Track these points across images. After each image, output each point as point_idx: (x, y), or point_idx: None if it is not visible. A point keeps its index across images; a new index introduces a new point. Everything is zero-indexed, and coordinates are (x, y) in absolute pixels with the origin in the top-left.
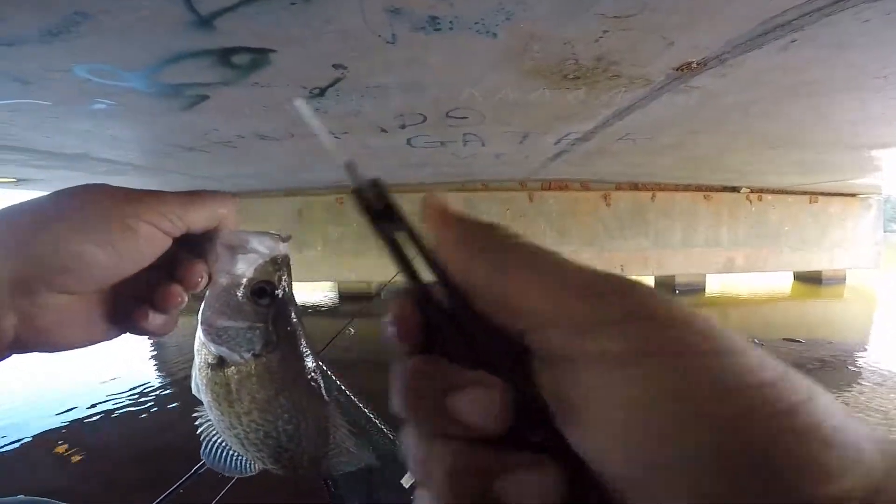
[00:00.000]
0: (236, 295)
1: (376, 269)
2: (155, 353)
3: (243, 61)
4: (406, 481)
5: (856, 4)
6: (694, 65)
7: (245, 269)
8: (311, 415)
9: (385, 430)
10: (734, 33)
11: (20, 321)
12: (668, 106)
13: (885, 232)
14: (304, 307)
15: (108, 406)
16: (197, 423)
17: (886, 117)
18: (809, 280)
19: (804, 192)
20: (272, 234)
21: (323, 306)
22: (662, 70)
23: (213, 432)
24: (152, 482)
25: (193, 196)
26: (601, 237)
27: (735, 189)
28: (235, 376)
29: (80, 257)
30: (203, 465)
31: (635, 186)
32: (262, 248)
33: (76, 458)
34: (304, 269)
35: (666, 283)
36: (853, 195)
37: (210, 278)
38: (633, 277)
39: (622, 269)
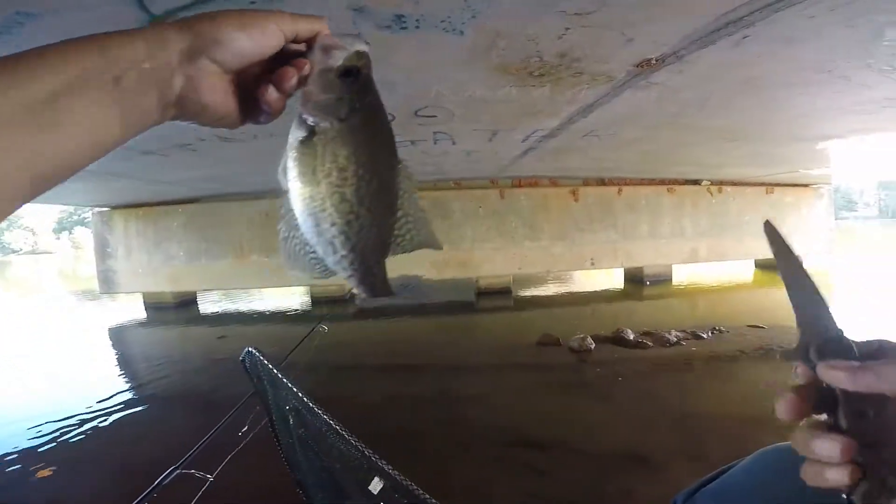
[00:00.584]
0: (329, 75)
1: None
2: (121, 366)
3: None
4: (374, 487)
5: (802, 0)
6: (653, 61)
7: (336, 58)
8: (384, 177)
9: (348, 436)
10: (689, 29)
11: (184, 83)
12: (630, 102)
13: (836, 219)
14: (276, 313)
15: (80, 418)
16: (279, 221)
17: (832, 111)
18: (769, 267)
19: (761, 184)
20: (357, 35)
21: (294, 311)
22: (623, 66)
23: (294, 226)
24: (125, 495)
25: (303, 15)
26: (571, 231)
27: (696, 182)
28: (321, 141)
29: (229, 36)
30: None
31: (602, 181)
32: (349, 43)
33: (45, 473)
34: (274, 275)
35: (634, 275)
36: (806, 185)
37: (311, 69)
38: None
39: (592, 263)
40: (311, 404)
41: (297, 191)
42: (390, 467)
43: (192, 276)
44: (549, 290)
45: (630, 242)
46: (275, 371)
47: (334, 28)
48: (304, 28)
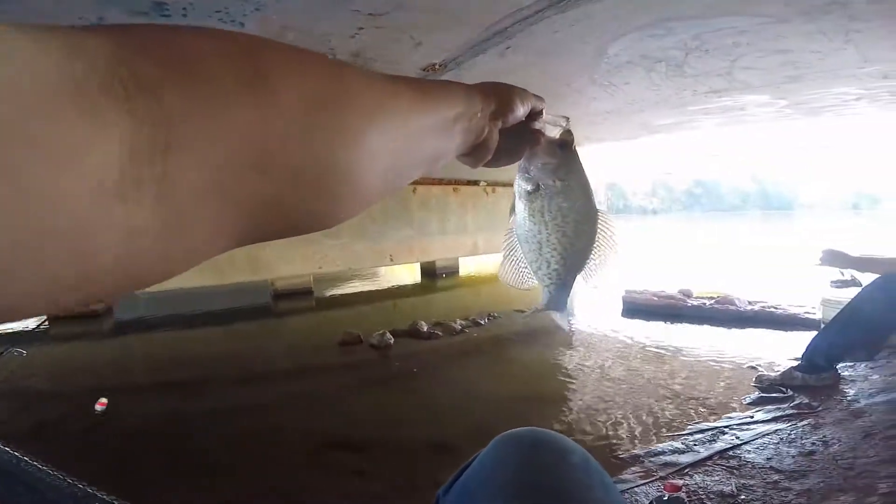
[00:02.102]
0: (551, 146)
1: None
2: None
3: None
4: None
5: (551, 16)
6: (437, 66)
7: (555, 132)
8: (591, 221)
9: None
10: (468, 37)
11: (487, 133)
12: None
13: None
14: None
15: None
16: (504, 243)
17: (573, 120)
18: None
19: (508, 185)
20: (566, 117)
21: (26, 331)
22: (413, 69)
23: (515, 247)
24: None
25: (536, 95)
26: (371, 229)
27: (476, 182)
28: (547, 193)
29: (515, 105)
30: None
31: None
32: (562, 123)
33: None
34: None
35: (429, 269)
36: None
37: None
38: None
39: (391, 259)
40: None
41: (526, 226)
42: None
43: None
44: (352, 288)
45: (424, 238)
46: None
47: None
48: (537, 104)
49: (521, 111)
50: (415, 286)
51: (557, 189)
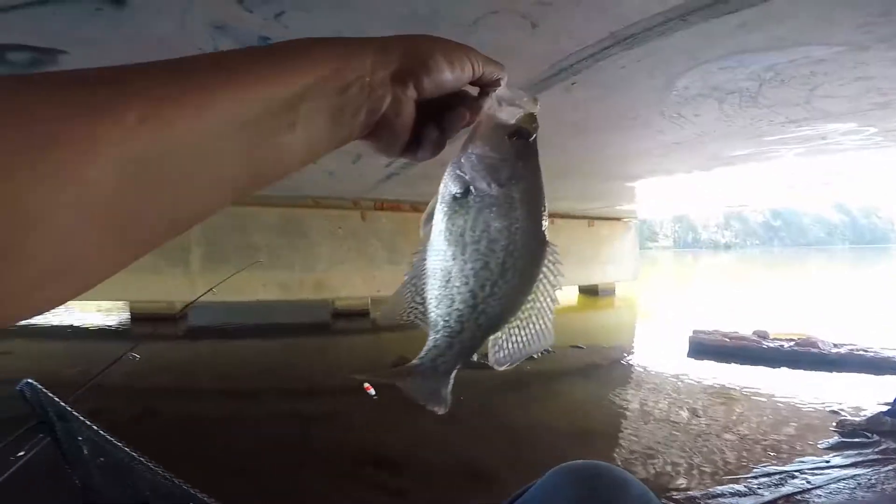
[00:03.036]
0: (498, 133)
1: (180, 288)
2: None
3: (21, 59)
4: None
5: (617, 52)
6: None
7: (509, 114)
8: (529, 257)
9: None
10: (532, 74)
11: (390, 104)
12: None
13: (642, 249)
14: (81, 328)
15: None
16: (413, 262)
17: (638, 152)
18: (590, 292)
19: (584, 217)
20: (532, 94)
21: (106, 327)
22: None
23: (419, 273)
24: None
25: (490, 58)
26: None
27: None
28: (476, 205)
29: (437, 64)
30: None
31: None
32: (525, 103)
33: None
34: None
35: None
36: (618, 219)
37: (480, 119)
38: None
39: None
40: (108, 437)
41: (439, 245)
42: (206, 495)
43: None
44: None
45: None
46: (62, 404)
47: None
48: (490, 72)
49: (447, 74)
50: None
51: (493, 199)
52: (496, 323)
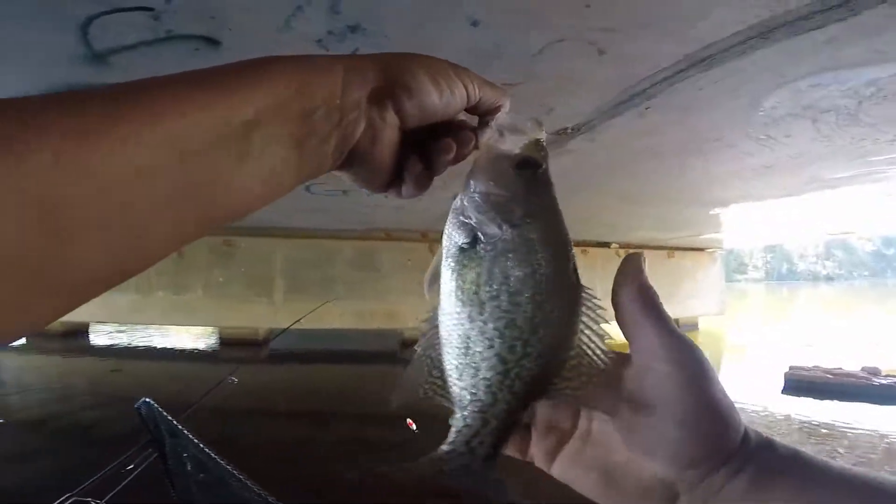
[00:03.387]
0: (502, 165)
1: (265, 316)
2: None
3: None
4: None
5: (694, 74)
6: (569, 130)
7: (513, 145)
8: (564, 301)
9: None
10: (601, 100)
11: (364, 131)
12: (550, 167)
13: (729, 282)
14: (179, 351)
15: None
16: (421, 338)
17: (721, 177)
18: None
19: (663, 248)
20: (537, 119)
21: (203, 352)
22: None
23: (433, 345)
24: None
25: (491, 81)
26: None
27: (607, 244)
28: (488, 254)
29: (420, 84)
30: None
31: None
32: (530, 129)
33: None
34: (180, 314)
35: None
36: (702, 250)
37: (481, 152)
38: None
39: None
40: (212, 455)
41: (451, 308)
42: None
43: (87, 307)
44: None
45: None
46: (174, 422)
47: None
48: (489, 97)
49: (433, 97)
50: None
51: (507, 243)
52: (536, 388)
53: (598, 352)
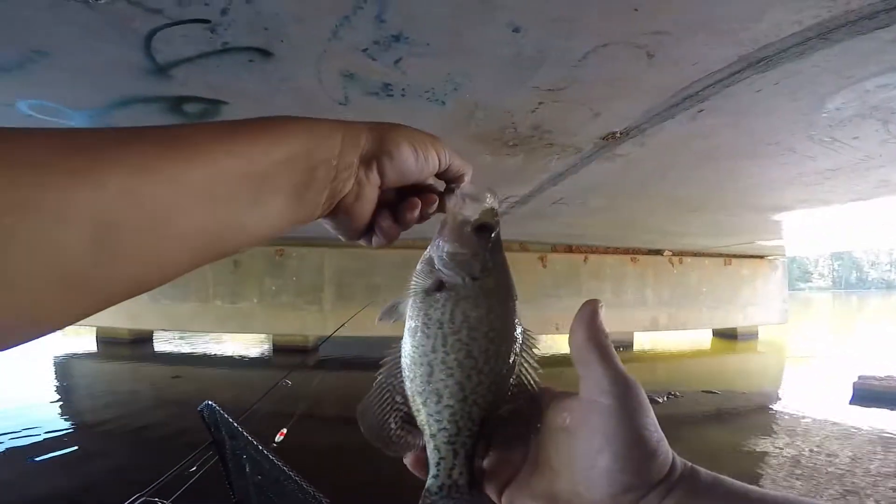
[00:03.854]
0: (465, 230)
1: (314, 323)
2: (61, 397)
3: (194, 110)
4: None
5: (750, 76)
6: (617, 134)
7: (474, 211)
8: (509, 337)
9: (306, 486)
10: (651, 104)
11: (351, 188)
12: (597, 172)
13: (792, 290)
14: (235, 358)
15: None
16: (381, 369)
17: (781, 181)
18: (726, 336)
19: (719, 255)
20: (492, 189)
21: (257, 358)
22: (590, 139)
23: (394, 373)
24: None
25: (457, 152)
26: (538, 297)
27: (659, 252)
28: (452, 298)
29: (402, 153)
30: None
31: (569, 249)
32: (487, 198)
33: None
34: (236, 322)
35: None
36: (761, 257)
37: (447, 217)
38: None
39: (557, 328)
40: (270, 456)
41: (417, 340)
42: None
43: (151, 315)
44: None
45: None
46: (234, 424)
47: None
48: (456, 166)
49: (410, 162)
50: None
51: (468, 291)
52: (487, 415)
53: (533, 377)
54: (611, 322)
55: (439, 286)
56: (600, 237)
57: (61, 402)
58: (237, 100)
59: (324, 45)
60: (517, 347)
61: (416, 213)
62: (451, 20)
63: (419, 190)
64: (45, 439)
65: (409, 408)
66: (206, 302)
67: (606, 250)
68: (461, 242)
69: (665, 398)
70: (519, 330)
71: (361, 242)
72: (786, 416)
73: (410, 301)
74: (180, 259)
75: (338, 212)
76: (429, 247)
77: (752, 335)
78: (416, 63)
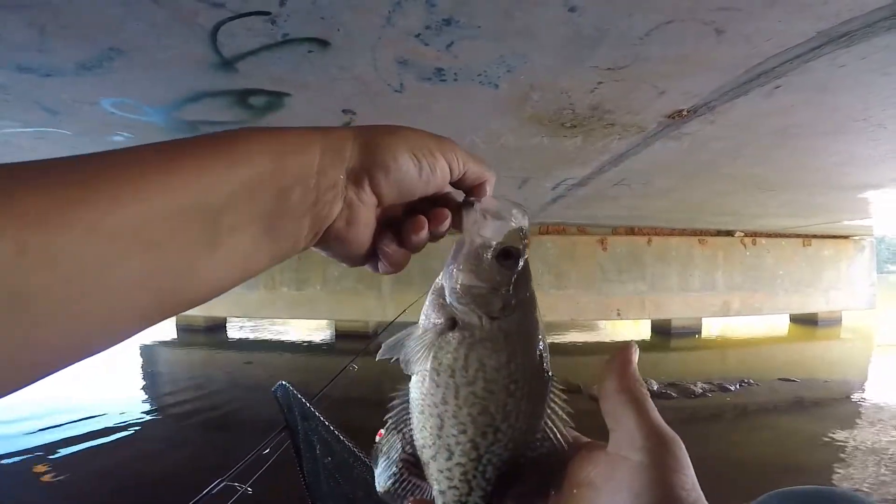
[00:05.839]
0: (484, 256)
1: (375, 309)
2: (146, 383)
3: (259, 103)
4: None
5: (832, 51)
6: (684, 112)
7: (496, 230)
8: (534, 392)
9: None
10: (721, 81)
11: (340, 212)
12: (661, 152)
13: (881, 273)
14: (301, 344)
15: (91, 429)
16: (389, 413)
17: (872, 159)
18: (806, 322)
19: (797, 235)
20: (520, 205)
21: (321, 344)
22: (654, 118)
23: (403, 421)
24: None
25: (475, 155)
26: (598, 281)
27: (730, 233)
28: (466, 341)
29: (399, 163)
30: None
31: (631, 231)
32: (513, 216)
33: (47, 478)
34: (302, 308)
35: (662, 327)
36: (846, 237)
37: (453, 222)
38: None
39: (618, 314)
40: (341, 437)
41: (426, 389)
42: None
43: (224, 303)
44: (572, 337)
45: (659, 294)
46: (307, 405)
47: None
48: (473, 172)
49: (412, 175)
50: (643, 343)
51: (485, 333)
52: (505, 473)
53: (560, 436)
54: (677, 307)
55: (452, 324)
56: (665, 219)
57: (146, 388)
58: (299, 91)
59: (378, 31)
60: (544, 401)
61: (424, 234)
62: (502, 1)
63: (434, 201)
64: (131, 425)
65: (418, 458)
66: (273, 290)
67: (672, 232)
68: (478, 273)
69: (737, 386)
70: (546, 377)
71: (367, 268)
72: (870, 407)
73: (418, 339)
74: (124, 319)
75: (328, 240)
76: (441, 273)
77: (834, 321)
78: (468, 46)
